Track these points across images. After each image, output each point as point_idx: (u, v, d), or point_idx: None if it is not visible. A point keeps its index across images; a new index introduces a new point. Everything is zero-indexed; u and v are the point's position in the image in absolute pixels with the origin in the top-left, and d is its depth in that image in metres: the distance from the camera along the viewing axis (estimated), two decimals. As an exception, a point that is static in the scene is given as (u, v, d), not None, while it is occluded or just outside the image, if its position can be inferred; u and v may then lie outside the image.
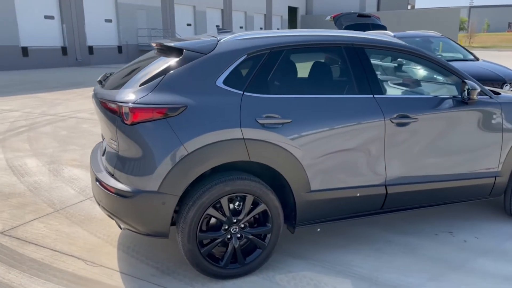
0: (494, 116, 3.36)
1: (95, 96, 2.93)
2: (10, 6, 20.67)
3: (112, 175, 2.70)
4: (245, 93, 2.70)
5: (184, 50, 2.75)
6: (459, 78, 3.32)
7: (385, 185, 3.09)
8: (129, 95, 2.58)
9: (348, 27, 9.46)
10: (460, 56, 7.96)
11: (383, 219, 3.76)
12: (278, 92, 2.79)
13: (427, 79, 3.84)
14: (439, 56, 7.95)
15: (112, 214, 2.70)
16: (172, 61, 2.73)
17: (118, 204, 2.61)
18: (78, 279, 2.79)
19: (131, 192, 2.55)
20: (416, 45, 7.83)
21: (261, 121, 2.65)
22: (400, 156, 3.09)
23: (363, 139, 2.95)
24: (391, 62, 4.72)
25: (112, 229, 3.51)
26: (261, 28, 40.91)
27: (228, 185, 2.64)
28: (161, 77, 2.63)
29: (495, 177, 3.44)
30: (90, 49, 24.99)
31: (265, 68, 2.80)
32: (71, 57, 23.86)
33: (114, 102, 2.60)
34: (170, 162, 2.51)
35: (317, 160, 2.83)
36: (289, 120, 2.73)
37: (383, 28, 9.79)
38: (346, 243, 3.33)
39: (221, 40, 2.85)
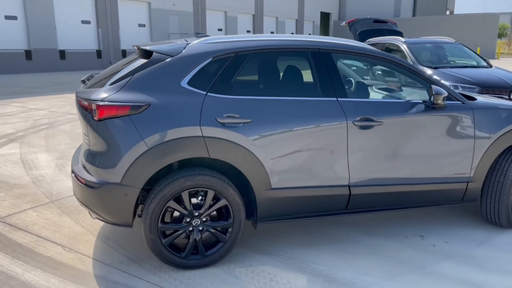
0: (465, 122, 3.36)
1: (75, 94, 3.17)
2: (50, 11, 21.75)
3: (84, 168, 2.92)
4: (208, 94, 2.86)
5: (153, 53, 2.95)
6: (428, 83, 3.35)
7: (349, 186, 3.17)
8: (99, 94, 2.80)
9: (362, 33, 9.47)
10: (474, 62, 7.82)
11: (357, 221, 3.82)
12: (240, 94, 2.94)
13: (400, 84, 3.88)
14: (452, 62, 7.85)
15: (83, 203, 2.92)
16: (143, 62, 2.93)
17: (87, 194, 2.83)
18: (53, 263, 3.02)
19: (97, 183, 2.76)
20: (426, 51, 7.77)
21: (221, 120, 2.81)
22: (365, 158, 3.16)
23: (325, 140, 3.04)
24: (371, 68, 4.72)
25: (97, 220, 3.74)
26: (292, 33, 41.02)
27: (188, 180, 2.80)
28: (130, 77, 2.83)
29: (467, 182, 3.44)
30: (124, 52, 25.85)
31: (230, 71, 2.95)
32: (105, 60, 24.78)
33: (86, 99, 2.82)
34: (132, 156, 2.70)
35: (277, 159, 2.95)
36: (249, 120, 2.86)
37: (399, 34, 9.73)
38: (313, 241, 3.42)
39: (190, 44, 3.03)
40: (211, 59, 2.95)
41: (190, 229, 2.91)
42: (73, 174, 3.00)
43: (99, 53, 24.43)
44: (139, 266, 3.00)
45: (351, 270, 3.00)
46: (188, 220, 2.90)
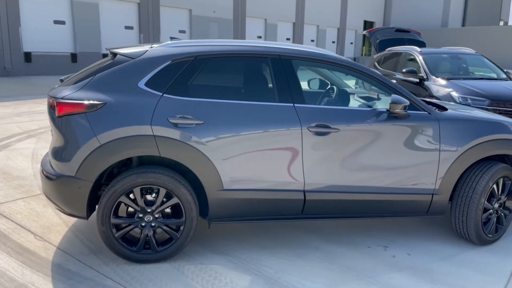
0: (430, 133, 3.29)
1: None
2: (96, 17, 22.85)
3: (49, 162, 3.13)
4: (164, 95, 2.99)
5: (117, 55, 3.12)
6: (391, 91, 3.31)
7: (304, 192, 3.19)
8: (62, 92, 3.00)
9: (382, 42, 9.34)
10: (493, 74, 7.53)
11: (324, 228, 3.81)
12: (195, 96, 3.05)
13: (364, 93, 3.84)
14: (470, 74, 7.59)
15: (45, 195, 3.12)
16: (108, 63, 3.10)
17: (47, 185, 3.03)
18: (20, 249, 3.24)
19: (55, 176, 2.95)
20: (442, 61, 7.57)
21: (173, 121, 2.93)
22: (320, 164, 3.17)
23: (279, 144, 3.09)
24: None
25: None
26: (333, 42, 40.75)
27: (140, 177, 2.94)
28: (92, 77, 3.02)
29: (432, 195, 3.36)
30: (163, 58, 26.67)
31: (187, 73, 3.07)
32: (144, 64, 25.66)
33: (50, 97, 3.03)
34: (85, 151, 2.87)
35: (230, 161, 3.03)
36: (201, 122, 2.97)
37: (421, 44, 9.50)
38: (273, 245, 3.45)
39: (153, 47, 3.18)
40: (170, 62, 3.08)
41: (143, 224, 3.04)
42: (40, 168, 3.21)
43: (139, 58, 25.35)
44: (96, 257, 3.16)
45: (297, 275, 3.01)
46: (140, 215, 3.02)
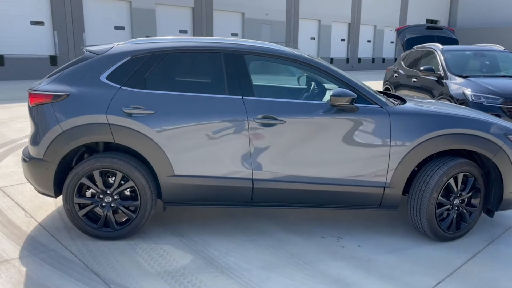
0: (380, 126, 3.31)
1: None
2: (152, 22, 24.11)
3: (27, 147, 3.55)
4: (122, 87, 3.31)
5: (84, 50, 3.49)
6: (342, 85, 3.37)
7: (252, 180, 3.35)
8: (37, 84, 3.41)
9: (410, 40, 9.10)
10: (520, 72, 7.11)
11: (287, 218, 3.93)
12: (149, 88, 3.33)
13: (317, 86, 3.88)
14: (496, 71, 7.23)
15: (24, 176, 3.54)
16: (78, 59, 3.48)
17: (24, 167, 3.46)
18: (8, 223, 3.71)
19: (28, 158, 3.37)
20: (463, 59, 7.30)
21: (127, 111, 3.23)
22: (268, 154, 3.32)
23: (227, 134, 3.28)
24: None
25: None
26: (391, 43, 39.55)
27: (98, 161, 3.27)
28: (61, 71, 3.40)
29: (384, 188, 3.37)
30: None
31: (144, 68, 3.36)
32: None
33: (28, 89, 3.45)
34: (50, 137, 3.25)
35: (180, 148, 3.27)
36: (152, 112, 3.24)
37: (454, 41, 9.13)
38: (230, 230, 3.65)
39: (117, 44, 3.50)
40: (129, 57, 3.39)
41: (103, 204, 3.37)
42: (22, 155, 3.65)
43: (192, 60, 26.34)
44: (67, 233, 3.54)
45: (238, 258, 3.18)
46: (101, 196, 3.35)
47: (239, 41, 3.55)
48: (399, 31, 9.51)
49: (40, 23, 20.36)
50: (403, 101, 3.74)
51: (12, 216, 3.86)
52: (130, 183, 3.33)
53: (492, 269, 3.09)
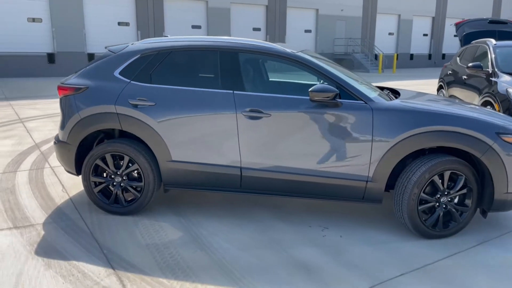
0: (362, 121, 3.41)
1: None
2: (227, 21, 25.03)
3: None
4: (131, 82, 3.77)
5: (106, 50, 4.01)
6: (329, 82, 3.51)
7: (240, 168, 3.64)
8: (66, 79, 4.00)
9: (468, 35, 8.64)
10: None
11: (282, 207, 4.14)
12: (154, 83, 3.75)
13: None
14: None
15: (56, 158, 4.17)
16: (99, 57, 4.01)
17: (55, 149, 4.08)
18: (46, 196, 4.38)
19: (57, 141, 3.98)
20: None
21: (132, 102, 3.69)
22: (255, 145, 3.58)
23: (218, 125, 3.60)
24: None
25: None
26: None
27: (110, 146, 3.78)
28: (85, 67, 3.96)
29: (366, 182, 3.47)
30: (287, 57, 27.73)
31: (150, 65, 3.80)
32: (269, 64, 27.05)
33: (59, 83, 4.06)
34: (72, 123, 3.82)
35: (176, 136, 3.66)
36: (153, 103, 3.67)
37: (517, 35, 8.49)
38: (226, 215, 3.97)
39: (131, 44, 3.98)
40: (139, 55, 3.84)
41: (114, 183, 3.87)
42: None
43: (264, 57, 26.87)
44: (88, 207, 4.10)
45: (222, 238, 3.50)
46: (112, 176, 3.86)
47: (234, 39, 3.84)
48: (458, 26, 9.04)
49: (126, 23, 22.24)
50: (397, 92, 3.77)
51: (51, 191, 4.53)
52: (136, 166, 3.79)
53: (466, 269, 3.06)
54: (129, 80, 3.78)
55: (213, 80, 3.73)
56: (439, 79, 9.02)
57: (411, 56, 33.39)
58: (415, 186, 3.35)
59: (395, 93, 4.22)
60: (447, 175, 3.40)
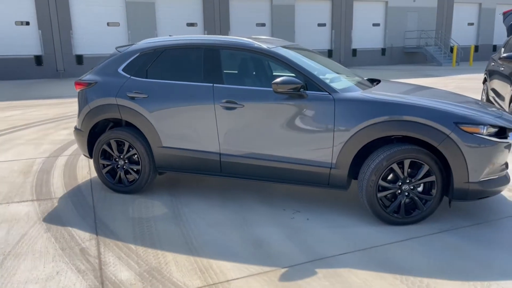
0: (325, 111, 3.61)
1: None
2: (291, 17, 25.29)
3: (78, 120, 4.86)
4: (131, 77, 4.32)
5: (115, 49, 4.61)
6: (298, 75, 3.75)
7: (220, 154, 4.02)
8: (82, 75, 4.66)
9: (516, 24, 8.11)
10: None
11: (268, 192, 4.44)
12: (148, 77, 4.26)
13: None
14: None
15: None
16: (109, 55, 4.62)
17: (74, 135, 4.77)
18: (72, 176, 5.12)
19: (75, 128, 4.67)
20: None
21: (129, 95, 4.24)
22: (231, 133, 3.94)
23: (200, 115, 4.02)
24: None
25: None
26: None
27: (113, 133, 4.37)
28: (98, 65, 4.59)
29: (330, 168, 3.67)
30: (354, 52, 27.33)
31: (147, 61, 4.31)
32: (335, 59, 26.82)
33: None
34: (84, 113, 4.47)
35: (165, 125, 4.14)
36: (146, 96, 4.18)
37: None
38: (214, 197, 4.37)
39: (136, 43, 4.52)
40: (139, 53, 4.38)
41: (118, 166, 4.46)
42: (78, 125, 4.97)
43: (330, 53, 26.72)
44: (100, 185, 4.73)
45: (200, 215, 3.91)
46: (116, 160, 4.45)
47: (218, 37, 4.20)
48: (505, 15, 8.49)
49: (194, 24, 23.48)
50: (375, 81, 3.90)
51: (78, 172, 5.27)
52: (134, 151, 4.33)
53: (408, 253, 3.16)
54: (129, 76, 4.33)
55: (198, 74, 4.14)
56: (485, 71, 8.59)
57: (494, 47, 31.04)
58: (373, 173, 3.49)
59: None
60: (407, 163, 3.48)
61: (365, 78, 4.78)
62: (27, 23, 20.53)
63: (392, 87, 4.22)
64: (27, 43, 20.41)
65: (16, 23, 20.46)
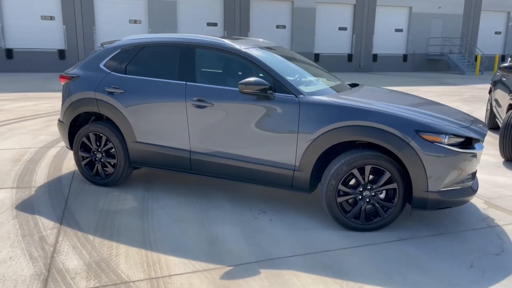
0: (291, 114, 3.61)
1: None
2: (312, 20, 25.21)
3: (63, 113, 5.00)
4: (111, 72, 4.42)
5: (100, 45, 4.72)
6: (269, 77, 3.76)
7: (190, 151, 4.07)
8: (68, 70, 4.79)
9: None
10: None
11: (243, 192, 4.46)
12: (125, 73, 4.35)
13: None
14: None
15: (60, 133, 5.01)
16: (93, 51, 4.74)
17: (57, 126, 4.91)
18: (58, 167, 5.26)
19: (58, 120, 4.80)
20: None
21: (107, 89, 4.33)
22: (201, 131, 3.99)
23: (173, 112, 4.08)
24: None
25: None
26: None
27: (92, 126, 4.49)
28: (82, 60, 4.71)
29: (294, 171, 3.66)
30: (374, 57, 27.00)
31: (127, 58, 4.40)
32: (354, 63, 26.63)
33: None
34: (66, 106, 4.60)
35: (139, 120, 4.22)
36: (123, 91, 4.27)
37: None
38: (186, 193, 4.42)
39: (118, 40, 4.62)
40: (120, 50, 4.47)
41: (96, 158, 4.57)
42: (64, 118, 5.10)
43: (350, 57, 26.49)
44: (81, 179, 4.86)
45: (166, 211, 3.97)
46: (94, 152, 4.56)
47: (194, 36, 4.24)
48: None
49: (214, 24, 23.72)
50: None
51: (65, 164, 5.41)
52: (111, 145, 4.43)
53: (362, 260, 3.13)
54: (109, 71, 4.43)
55: (173, 72, 4.19)
56: (491, 81, 8.39)
57: (522, 57, 30.11)
58: (333, 177, 3.47)
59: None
60: (368, 169, 3.45)
61: (347, 83, 4.75)
62: (52, 18, 21.18)
63: (366, 93, 4.19)
64: (52, 37, 21.05)
65: (42, 17, 21.10)
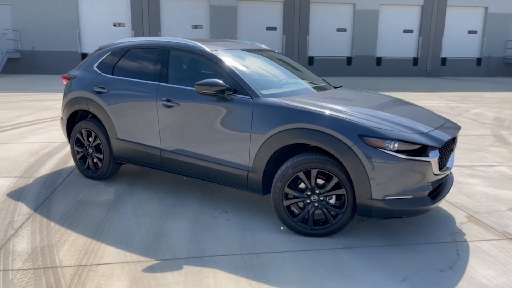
0: (244, 116, 3.61)
1: None
2: (375, 23, 24.44)
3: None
4: (101, 73, 4.73)
5: (99, 47, 5.06)
6: (230, 80, 3.80)
7: (160, 149, 4.23)
8: (71, 71, 5.19)
9: None
10: None
11: (216, 192, 4.52)
12: (111, 74, 4.61)
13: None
14: None
15: (64, 130, 5.42)
16: (92, 53, 5.08)
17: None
18: (62, 161, 5.70)
19: (60, 117, 5.21)
20: None
21: (95, 89, 4.64)
22: (168, 130, 4.12)
23: (146, 111, 4.27)
24: None
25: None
26: None
27: (84, 123, 4.82)
28: (83, 61, 5.08)
29: (248, 171, 3.66)
30: (443, 60, 25.52)
31: (115, 59, 4.67)
32: (420, 67, 25.37)
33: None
34: (64, 103, 4.98)
35: (120, 118, 4.46)
36: (107, 91, 4.54)
37: None
38: (161, 190, 4.57)
39: (115, 42, 4.91)
40: (110, 52, 4.76)
41: (88, 153, 4.89)
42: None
43: (415, 60, 25.29)
44: (76, 171, 5.22)
45: (133, 206, 4.15)
46: (86, 148, 4.89)
47: (171, 39, 4.39)
48: None
49: (273, 28, 23.97)
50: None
51: (66, 160, 5.83)
52: (99, 141, 4.72)
53: (292, 265, 3.04)
54: (100, 72, 4.73)
55: (150, 73, 4.37)
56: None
57: None
58: (279, 180, 3.41)
59: None
60: (314, 173, 3.35)
61: (332, 86, 4.63)
62: (122, 25, 22.77)
63: (335, 95, 4.04)
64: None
65: (114, 24, 22.77)
